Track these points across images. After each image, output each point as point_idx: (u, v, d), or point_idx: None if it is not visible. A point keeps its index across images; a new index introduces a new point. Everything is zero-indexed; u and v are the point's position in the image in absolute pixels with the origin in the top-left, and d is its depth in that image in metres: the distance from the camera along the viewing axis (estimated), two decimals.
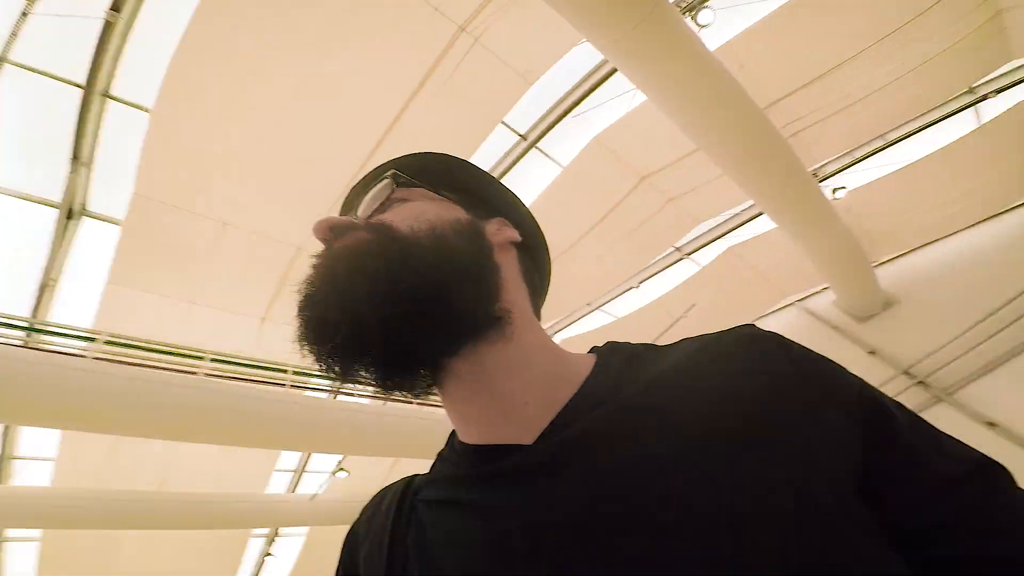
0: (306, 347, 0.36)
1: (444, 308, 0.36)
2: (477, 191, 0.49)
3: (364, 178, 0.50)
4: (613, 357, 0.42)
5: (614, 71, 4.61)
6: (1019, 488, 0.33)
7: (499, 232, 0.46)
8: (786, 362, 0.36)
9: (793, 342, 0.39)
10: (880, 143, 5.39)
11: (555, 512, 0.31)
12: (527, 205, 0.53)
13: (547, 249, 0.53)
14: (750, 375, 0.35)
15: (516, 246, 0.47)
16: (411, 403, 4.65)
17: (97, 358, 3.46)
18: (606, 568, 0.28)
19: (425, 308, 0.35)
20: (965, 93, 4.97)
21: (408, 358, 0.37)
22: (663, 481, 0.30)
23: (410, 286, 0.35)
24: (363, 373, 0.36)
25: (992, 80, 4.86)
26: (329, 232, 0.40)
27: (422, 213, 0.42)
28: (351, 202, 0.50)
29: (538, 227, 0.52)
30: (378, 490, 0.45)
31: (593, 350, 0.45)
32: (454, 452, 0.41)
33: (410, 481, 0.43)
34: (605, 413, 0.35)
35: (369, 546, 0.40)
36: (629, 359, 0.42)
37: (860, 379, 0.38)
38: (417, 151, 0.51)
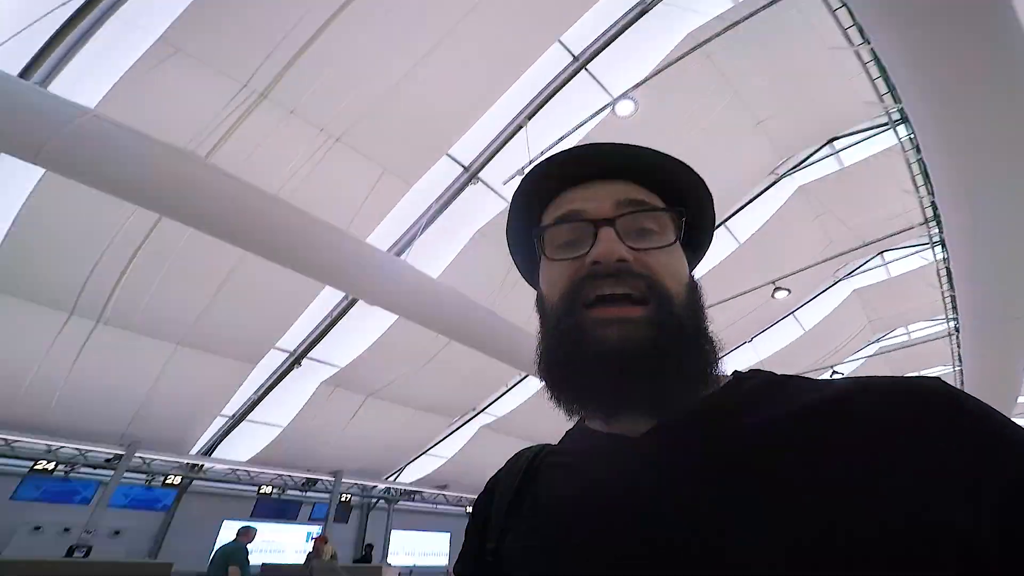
0: (563, 382, 0.44)
1: (679, 375, 0.40)
2: (693, 222, 0.50)
3: (631, 161, 0.48)
4: (746, 383, 0.43)
5: None
6: None
7: (696, 283, 0.49)
8: (945, 426, 0.32)
9: (969, 402, 0.33)
10: None
11: (620, 493, 0.38)
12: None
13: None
14: (885, 435, 0.32)
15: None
16: None
17: None
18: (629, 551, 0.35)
19: (670, 388, 0.40)
20: None
21: (653, 397, 0.40)
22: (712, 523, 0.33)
23: (670, 382, 0.39)
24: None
25: None
26: (616, 268, 0.42)
27: (674, 268, 0.45)
28: (594, 162, 0.48)
29: (711, 207, 0.53)
30: None
31: (735, 373, 0.46)
32: (579, 432, 0.50)
33: (543, 448, 0.53)
34: (699, 438, 0.38)
35: (502, 491, 0.50)
36: (760, 388, 0.42)
37: None
38: (681, 160, 0.49)
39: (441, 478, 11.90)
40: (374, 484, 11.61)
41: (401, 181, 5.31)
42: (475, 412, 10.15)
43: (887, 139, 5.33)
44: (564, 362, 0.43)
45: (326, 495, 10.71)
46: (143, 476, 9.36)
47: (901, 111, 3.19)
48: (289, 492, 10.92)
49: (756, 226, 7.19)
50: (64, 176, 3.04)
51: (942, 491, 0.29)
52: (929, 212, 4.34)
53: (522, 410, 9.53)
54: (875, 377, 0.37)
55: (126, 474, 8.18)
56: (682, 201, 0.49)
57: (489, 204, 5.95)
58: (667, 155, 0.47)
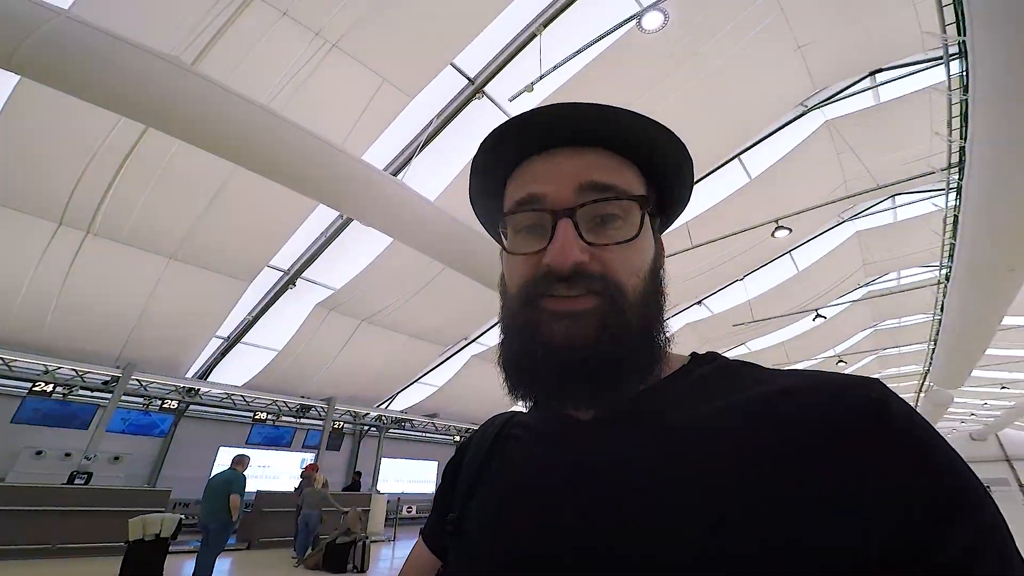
0: (517, 379, 0.44)
1: (620, 374, 0.41)
2: (671, 188, 0.49)
3: (592, 122, 0.44)
4: (698, 370, 0.45)
5: None
6: None
7: (662, 247, 0.50)
8: (868, 440, 0.33)
9: (899, 414, 0.34)
10: None
11: (558, 477, 0.42)
12: None
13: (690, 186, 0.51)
14: (816, 442, 0.33)
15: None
16: None
17: None
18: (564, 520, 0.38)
19: (608, 385, 0.41)
20: None
21: (595, 396, 0.42)
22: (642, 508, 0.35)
23: (608, 380, 0.41)
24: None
25: None
26: (569, 273, 0.41)
27: (639, 265, 0.44)
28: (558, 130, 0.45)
29: (690, 171, 0.49)
30: None
31: (692, 355, 0.48)
32: (539, 408, 0.52)
33: (512, 416, 0.56)
34: (640, 427, 0.41)
35: (474, 451, 0.54)
36: (712, 375, 0.44)
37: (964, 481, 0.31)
38: (658, 121, 0.44)
39: (431, 407, 12.36)
40: (366, 412, 11.98)
41: (401, 93, 4.95)
42: (467, 341, 10.34)
43: (932, 76, 5.01)
44: (516, 357, 0.44)
45: (319, 422, 11.09)
46: (141, 400, 9.55)
47: (961, 44, 2.98)
48: (284, 419, 11.28)
49: (773, 160, 6.96)
50: (39, 83, 2.85)
51: (846, 508, 0.30)
52: (955, 158, 4.21)
53: None
54: (818, 376, 0.38)
55: (123, 398, 8.32)
56: (656, 168, 0.47)
57: (494, 122, 5.59)
58: (644, 118, 0.43)
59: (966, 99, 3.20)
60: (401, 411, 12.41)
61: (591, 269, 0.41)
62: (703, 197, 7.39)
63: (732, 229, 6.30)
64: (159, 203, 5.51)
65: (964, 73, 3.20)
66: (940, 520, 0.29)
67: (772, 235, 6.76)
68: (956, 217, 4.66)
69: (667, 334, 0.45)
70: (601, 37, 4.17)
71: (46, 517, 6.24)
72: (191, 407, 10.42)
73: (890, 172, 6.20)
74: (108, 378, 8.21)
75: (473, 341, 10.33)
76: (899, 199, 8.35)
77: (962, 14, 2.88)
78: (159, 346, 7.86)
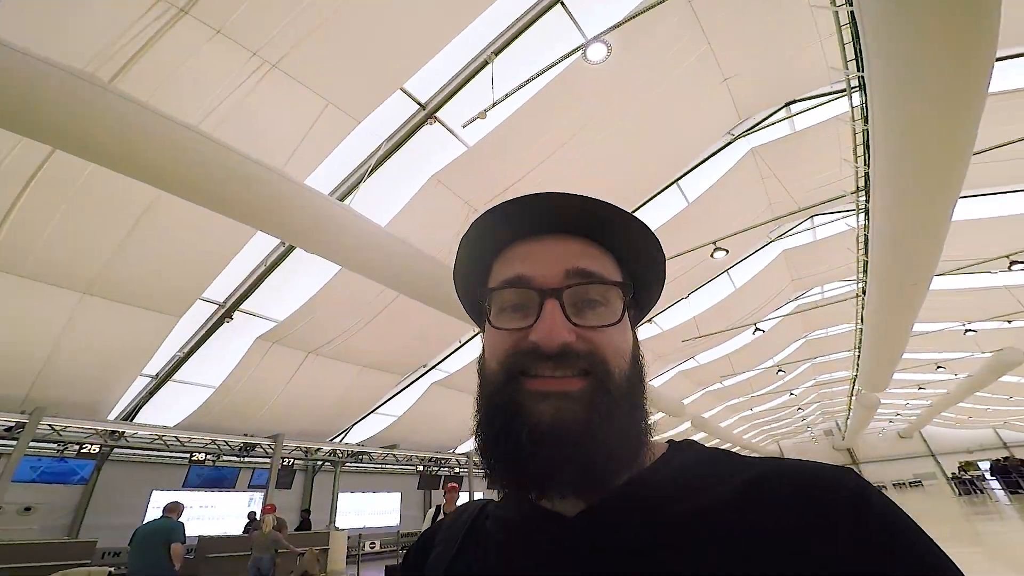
0: (499, 464, 0.42)
1: (606, 464, 0.39)
2: (644, 284, 0.50)
3: (571, 211, 0.46)
4: (681, 457, 0.45)
5: None
6: None
7: (638, 344, 0.49)
8: (849, 528, 0.33)
9: (878, 504, 0.35)
10: None
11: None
12: None
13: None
14: (801, 535, 0.34)
15: None
16: None
17: None
18: None
19: (600, 464, 0.39)
20: None
21: (582, 487, 0.40)
22: None
23: (600, 465, 0.39)
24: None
25: None
26: (557, 352, 0.41)
27: (619, 344, 0.44)
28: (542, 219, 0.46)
29: (663, 270, 0.52)
30: None
31: (670, 444, 0.47)
32: (516, 497, 0.47)
33: (484, 505, 0.52)
34: (625, 527, 0.39)
35: (442, 548, 0.49)
36: (693, 468, 0.43)
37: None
38: (637, 222, 0.47)
39: (391, 437, 11.86)
40: (318, 447, 11.37)
41: (347, 116, 4.82)
42: (426, 368, 10.08)
43: (838, 107, 5.60)
44: (497, 438, 0.41)
45: (266, 460, 10.36)
46: (55, 446, 8.54)
47: (860, 79, 3.33)
48: (225, 458, 10.45)
49: (706, 185, 7.44)
50: None
51: None
52: (862, 182, 4.67)
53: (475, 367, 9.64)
54: (791, 465, 0.39)
55: (33, 444, 7.39)
56: (632, 262, 0.49)
57: (447, 147, 5.61)
58: (625, 213, 0.45)
59: (867, 129, 3.55)
60: (358, 443, 11.82)
61: (578, 349, 0.41)
62: (646, 220, 7.74)
63: (676, 251, 6.62)
64: (70, 232, 4.98)
65: (864, 104, 3.57)
66: None
67: (711, 256, 7.18)
68: (866, 236, 5.14)
69: (650, 420, 0.45)
70: (550, 67, 4.32)
71: None
72: (116, 450, 9.41)
73: (808, 195, 6.81)
74: (12, 424, 7.23)
75: (433, 368, 10.08)
76: (817, 219, 9.16)
77: (860, 51, 3.23)
78: (74, 387, 7.05)
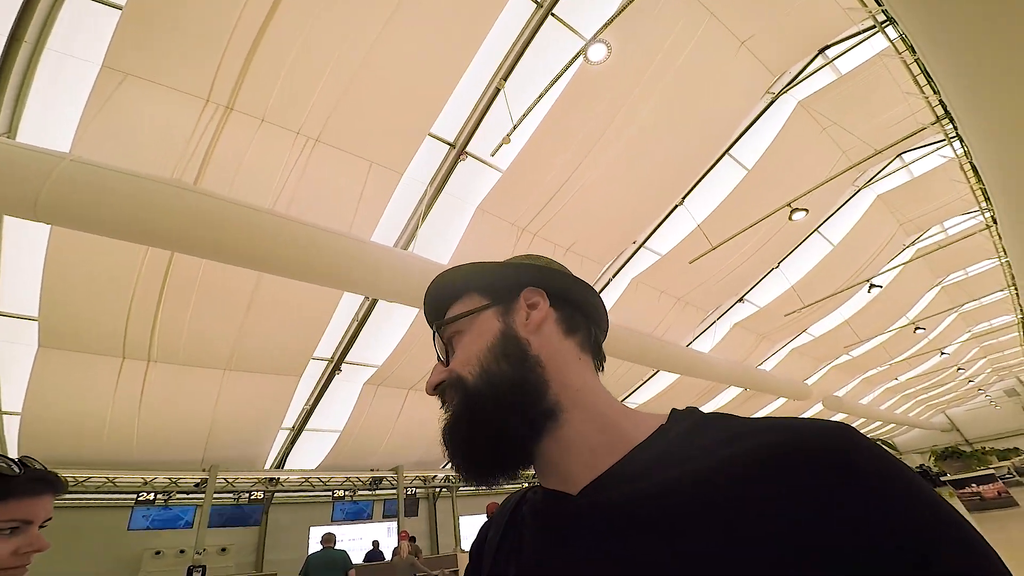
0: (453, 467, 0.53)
1: (509, 445, 0.49)
2: (500, 283, 0.58)
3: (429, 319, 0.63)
4: (676, 426, 0.47)
5: None
6: None
7: (530, 316, 0.55)
8: (839, 499, 0.33)
9: (861, 463, 0.34)
10: None
11: (545, 557, 0.45)
12: None
13: (582, 281, 0.59)
14: (789, 506, 0.33)
15: (551, 302, 0.56)
16: None
17: None
18: None
19: (499, 450, 0.50)
20: None
21: (504, 473, 0.50)
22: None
23: (486, 439, 0.50)
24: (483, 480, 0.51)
25: None
26: (436, 393, 0.57)
27: (471, 352, 0.54)
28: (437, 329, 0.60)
29: (561, 269, 0.59)
30: None
31: (672, 413, 0.50)
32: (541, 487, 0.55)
33: (525, 493, 0.58)
34: (622, 495, 0.42)
35: (494, 532, 0.57)
36: (688, 433, 0.45)
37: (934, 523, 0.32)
38: (442, 270, 0.60)
39: None
40: (434, 474, 12.12)
41: (390, 171, 5.31)
42: None
43: (880, 41, 4.99)
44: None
45: (393, 492, 11.32)
46: (231, 495, 10.32)
47: (885, 12, 2.99)
48: (360, 493, 11.67)
49: (761, 149, 6.92)
50: (64, 227, 3.10)
51: (819, 561, 0.31)
52: (939, 110, 4.07)
53: None
54: (783, 428, 0.38)
55: (216, 495, 8.95)
56: (472, 285, 0.60)
57: (484, 177, 5.92)
58: (441, 276, 0.60)
59: (918, 59, 3.15)
60: None
61: (446, 381, 0.54)
62: (707, 199, 7.37)
63: (746, 222, 6.21)
64: (202, 322, 6.04)
65: (903, 35, 3.18)
66: (916, 549, 0.30)
67: (790, 218, 6.62)
68: (971, 164, 4.41)
69: (542, 384, 0.50)
70: (557, 78, 4.47)
71: None
72: (276, 494, 11.06)
73: (883, 135, 6.04)
74: (199, 480, 8.90)
75: None
76: (908, 156, 7.95)
77: None
78: (235, 445, 8.44)
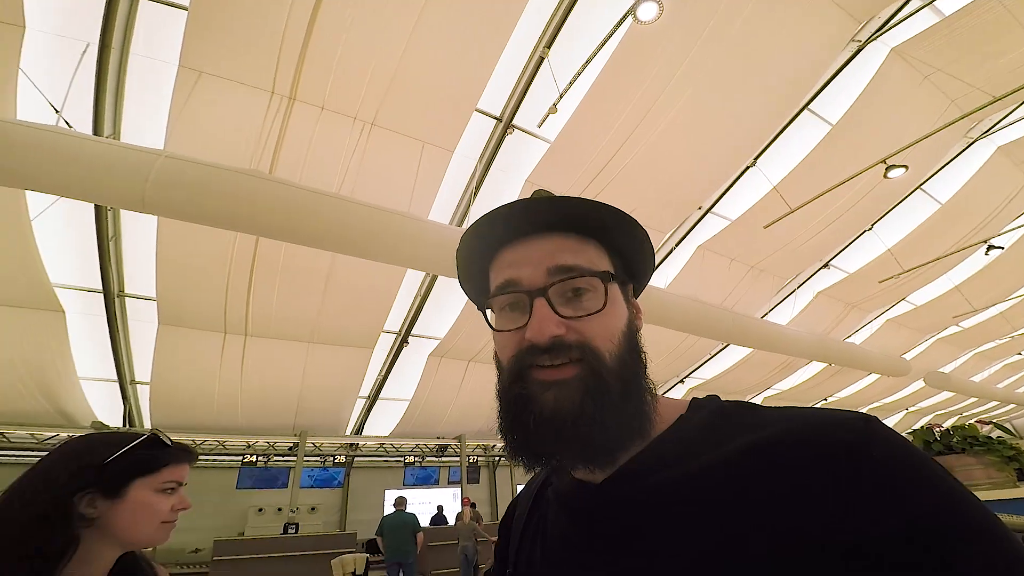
0: (515, 446, 0.48)
1: (604, 450, 0.45)
2: (639, 262, 0.55)
3: (556, 211, 0.50)
4: (697, 416, 0.47)
5: None
6: None
7: (637, 310, 0.54)
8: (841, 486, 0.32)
9: (876, 454, 0.32)
10: None
11: (568, 545, 0.47)
12: None
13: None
14: (804, 502, 0.33)
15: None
16: None
17: None
18: None
19: (590, 449, 0.45)
20: None
21: (570, 466, 0.48)
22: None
23: (591, 432, 0.43)
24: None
25: None
26: (549, 345, 0.45)
27: (610, 327, 0.48)
28: (535, 218, 0.51)
29: (647, 241, 0.54)
30: None
31: (692, 403, 0.49)
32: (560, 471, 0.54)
33: (550, 474, 0.57)
34: (642, 490, 0.42)
35: (520, 509, 0.59)
36: (703, 427, 0.45)
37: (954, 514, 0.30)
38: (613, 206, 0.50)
39: None
40: (493, 443, 12.61)
41: (442, 150, 5.41)
42: None
43: None
44: (511, 427, 0.47)
45: (457, 459, 11.99)
46: (318, 459, 11.56)
47: None
48: (428, 459, 12.54)
49: (848, 101, 6.14)
50: (166, 217, 3.56)
51: (821, 558, 0.30)
52: None
53: None
54: (801, 419, 0.38)
55: (305, 458, 10.03)
56: (615, 244, 0.53)
57: (532, 149, 5.86)
58: (595, 204, 0.49)
59: None
60: None
61: (568, 340, 0.46)
62: (784, 158, 6.71)
63: (831, 182, 5.61)
64: (288, 299, 6.69)
65: None
66: (938, 552, 0.28)
67: (885, 176, 5.89)
68: None
69: (651, 389, 0.49)
70: (604, 42, 4.27)
71: (273, 562, 7.85)
72: (356, 459, 12.20)
73: (1002, 81, 5.11)
74: (291, 444, 10.06)
75: None
76: None
77: None
78: (321, 412, 9.36)
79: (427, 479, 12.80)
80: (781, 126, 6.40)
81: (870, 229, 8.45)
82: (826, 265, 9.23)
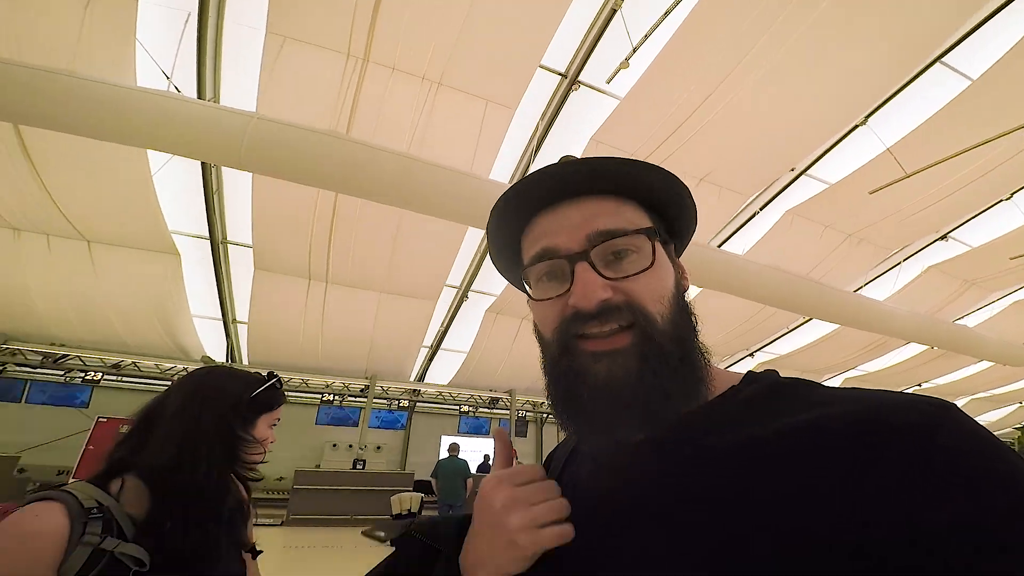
0: (568, 419, 0.46)
1: (656, 418, 0.42)
2: (683, 220, 0.53)
3: (599, 172, 0.47)
4: (750, 388, 0.44)
5: None
6: None
7: (682, 270, 0.51)
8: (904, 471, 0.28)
9: (955, 441, 0.29)
10: None
11: (599, 495, 0.45)
12: None
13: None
14: (840, 475, 0.31)
15: None
16: None
17: None
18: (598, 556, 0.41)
19: (647, 415, 0.42)
20: None
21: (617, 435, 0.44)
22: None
23: (654, 408, 0.41)
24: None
25: None
26: (597, 310, 0.42)
27: (658, 289, 0.45)
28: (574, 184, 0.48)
29: (688, 196, 0.51)
30: None
31: (746, 375, 0.46)
32: None
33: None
34: (675, 455, 0.41)
35: (555, 463, 0.58)
36: (758, 398, 0.42)
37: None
38: (652, 164, 0.48)
39: None
40: (541, 401, 13.05)
41: (504, 108, 5.38)
42: None
43: None
44: (564, 400, 0.45)
45: (507, 412, 12.62)
46: (385, 401, 12.67)
47: None
48: (480, 411, 13.35)
49: (993, 56, 5.19)
50: (259, 173, 3.95)
51: (863, 545, 0.28)
52: None
53: None
54: (870, 400, 0.34)
55: (374, 400, 11.06)
56: (655, 201, 0.50)
57: (598, 106, 5.64)
58: (634, 163, 0.46)
59: None
60: None
61: (616, 302, 0.42)
62: (902, 116, 5.89)
63: (961, 145, 4.88)
64: (363, 251, 7.21)
65: None
66: (1006, 556, 0.25)
67: None
68: None
69: (704, 352, 0.46)
70: None
71: (344, 494, 8.99)
72: (417, 404, 13.25)
73: None
74: (363, 387, 11.10)
75: None
76: None
77: None
78: (389, 358, 10.20)
79: (478, 429, 13.66)
80: (904, 81, 5.58)
81: (1009, 198, 7.29)
82: (944, 237, 8.17)
